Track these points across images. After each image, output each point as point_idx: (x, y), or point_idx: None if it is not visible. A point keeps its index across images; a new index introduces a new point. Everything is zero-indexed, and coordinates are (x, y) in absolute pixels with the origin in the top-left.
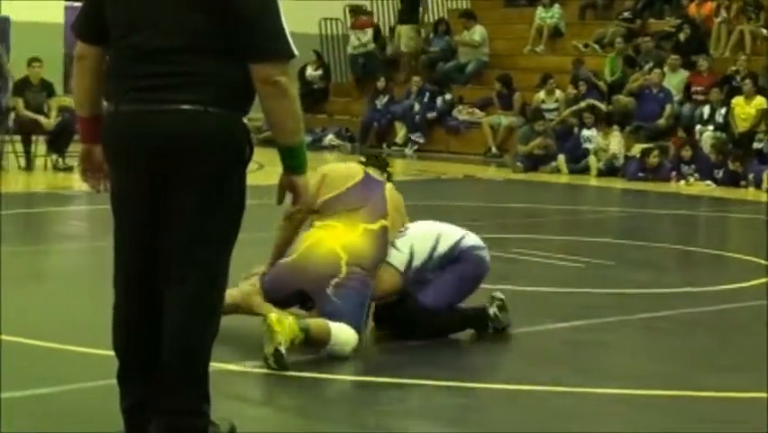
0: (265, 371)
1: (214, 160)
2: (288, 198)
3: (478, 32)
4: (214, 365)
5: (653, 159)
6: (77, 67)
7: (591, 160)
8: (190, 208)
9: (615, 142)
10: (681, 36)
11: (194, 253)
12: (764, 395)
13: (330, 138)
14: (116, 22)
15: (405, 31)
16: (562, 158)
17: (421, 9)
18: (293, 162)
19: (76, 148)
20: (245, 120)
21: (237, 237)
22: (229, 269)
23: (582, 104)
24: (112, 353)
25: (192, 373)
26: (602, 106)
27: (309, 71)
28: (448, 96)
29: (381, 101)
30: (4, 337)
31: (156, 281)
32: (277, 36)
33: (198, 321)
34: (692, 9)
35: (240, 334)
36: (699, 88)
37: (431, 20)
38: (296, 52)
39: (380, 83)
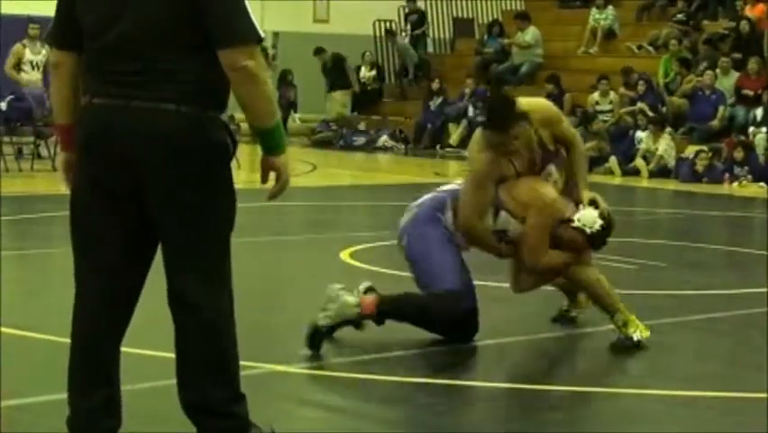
0: (315, 372)
1: (189, 161)
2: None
3: (530, 34)
4: (263, 367)
5: (704, 160)
6: (53, 75)
7: (639, 162)
8: (174, 217)
9: (663, 144)
10: (736, 38)
11: (190, 269)
12: None
13: (384, 139)
14: (88, 21)
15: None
16: (614, 159)
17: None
18: (270, 144)
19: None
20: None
21: (232, 230)
22: (230, 267)
23: (636, 106)
24: (158, 353)
25: (217, 373)
26: (648, 110)
27: (363, 72)
28: None
29: (435, 102)
30: (31, 334)
31: (118, 314)
32: (240, 20)
33: (213, 325)
34: (747, 10)
35: (285, 335)
36: (748, 91)
37: (484, 21)
38: (262, 35)
39: (435, 84)
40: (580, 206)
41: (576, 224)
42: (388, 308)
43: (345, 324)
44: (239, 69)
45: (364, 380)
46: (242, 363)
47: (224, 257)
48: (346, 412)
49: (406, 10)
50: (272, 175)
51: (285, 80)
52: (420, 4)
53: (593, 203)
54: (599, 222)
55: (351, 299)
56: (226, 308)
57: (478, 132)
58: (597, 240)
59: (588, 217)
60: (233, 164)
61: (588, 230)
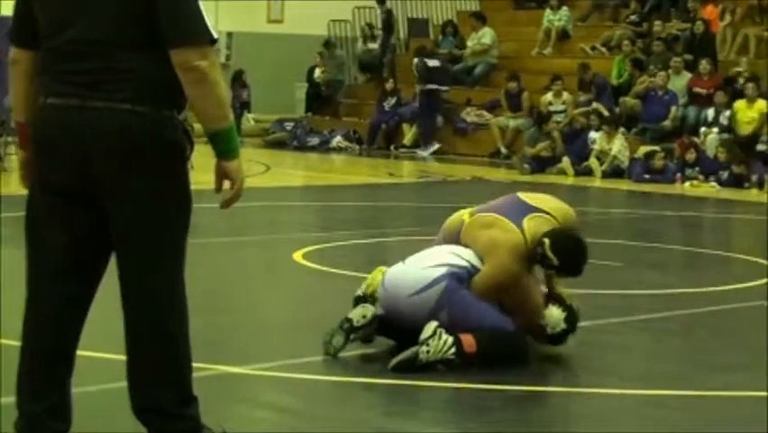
0: (267, 374)
1: (143, 162)
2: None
3: (488, 35)
4: (216, 368)
5: (658, 161)
6: (11, 72)
7: (593, 162)
8: (129, 219)
9: (617, 144)
10: (689, 39)
11: (141, 273)
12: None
13: (338, 140)
14: (44, 20)
15: None
16: (566, 160)
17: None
18: (222, 148)
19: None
20: (180, 117)
21: (186, 235)
22: (184, 269)
23: (590, 107)
24: (110, 356)
25: (169, 375)
26: (604, 110)
27: (317, 73)
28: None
29: (389, 103)
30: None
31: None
32: (192, 21)
33: (164, 327)
34: (700, 12)
35: (238, 336)
36: (700, 91)
37: (439, 22)
38: (215, 36)
39: (389, 84)
40: (549, 303)
41: (541, 321)
42: (483, 348)
43: (439, 363)
44: (190, 68)
45: (315, 381)
46: (194, 364)
47: (177, 258)
48: (297, 413)
49: (379, 12)
50: (227, 182)
51: (238, 80)
52: (374, 4)
53: (563, 303)
54: (562, 326)
55: (449, 338)
56: (179, 310)
57: (510, 237)
58: (555, 339)
59: (552, 319)
60: (189, 165)
61: (549, 330)
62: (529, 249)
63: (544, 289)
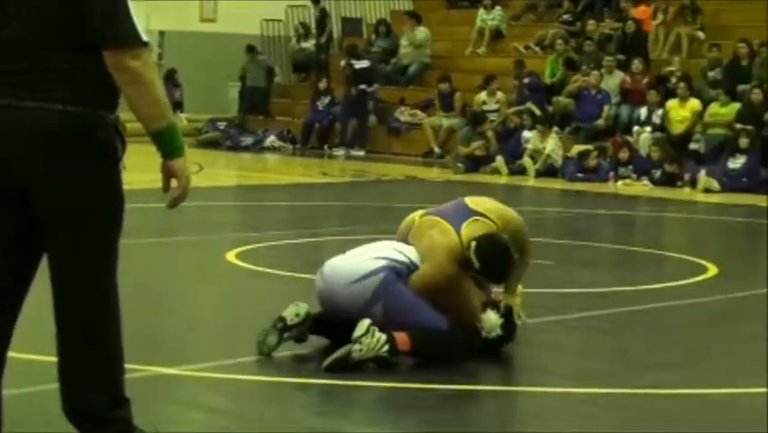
0: (200, 374)
1: (76, 162)
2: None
3: (422, 33)
4: (149, 369)
5: (592, 160)
6: None
7: (527, 161)
8: (61, 219)
9: (551, 143)
10: (621, 38)
11: (73, 273)
12: (701, 391)
13: (271, 140)
14: None
15: None
16: (500, 159)
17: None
18: (165, 147)
19: None
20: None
21: (119, 235)
22: (117, 270)
23: (523, 106)
24: (41, 358)
25: (101, 377)
26: (536, 110)
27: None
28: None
29: (323, 102)
30: None
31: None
32: (123, 22)
33: (97, 329)
34: (632, 12)
35: (171, 337)
36: (633, 90)
37: (372, 21)
38: (144, 38)
39: (322, 84)
40: (488, 308)
41: (478, 324)
42: (416, 347)
43: (372, 360)
44: (123, 69)
45: (248, 381)
46: (127, 366)
47: (110, 259)
48: (230, 414)
49: (312, 11)
50: (174, 181)
51: (171, 80)
52: (307, 3)
53: (504, 309)
54: (498, 331)
55: (383, 336)
56: (111, 311)
57: (448, 239)
58: (490, 344)
59: (489, 323)
60: (121, 165)
61: (484, 334)
62: (465, 252)
63: (488, 293)
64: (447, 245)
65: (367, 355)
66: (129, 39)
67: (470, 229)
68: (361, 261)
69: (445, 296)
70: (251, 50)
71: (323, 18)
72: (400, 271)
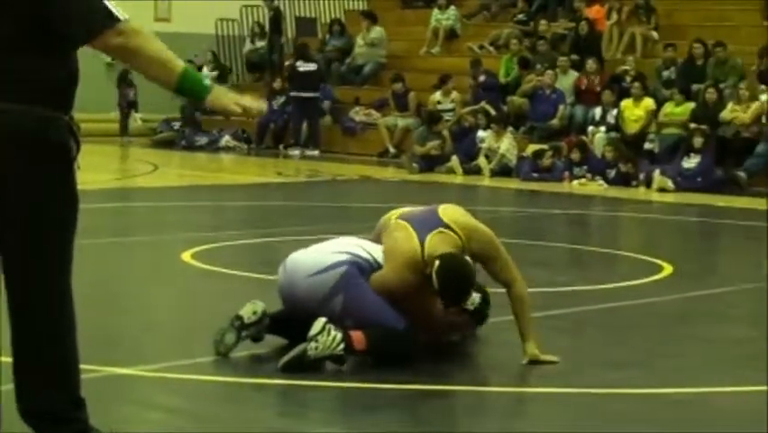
0: (156, 375)
1: (30, 162)
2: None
3: (377, 33)
4: (105, 370)
5: (546, 160)
6: None
7: (482, 161)
8: (15, 220)
9: (505, 143)
10: (575, 38)
11: (28, 273)
12: (657, 391)
13: (226, 139)
14: None
15: None
16: (455, 158)
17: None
18: (194, 91)
19: None
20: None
21: (74, 236)
22: (72, 270)
23: (477, 106)
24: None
25: (57, 378)
26: (490, 109)
27: (205, 71)
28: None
29: (277, 102)
30: None
31: None
32: (95, 10)
33: (52, 329)
34: (586, 12)
35: (127, 337)
36: (587, 90)
37: (327, 21)
38: (120, 16)
39: (277, 84)
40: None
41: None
42: (372, 346)
43: (327, 359)
44: (113, 49)
45: (205, 381)
46: (83, 366)
47: (65, 259)
48: (187, 414)
49: (266, 11)
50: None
51: (125, 80)
52: (261, 3)
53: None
54: (477, 301)
55: (338, 334)
56: (66, 312)
57: (409, 246)
58: (474, 314)
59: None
60: (75, 165)
61: (470, 306)
62: (426, 263)
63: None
64: (407, 253)
65: (323, 354)
66: (105, 24)
67: (433, 241)
68: (324, 254)
69: (402, 299)
70: (191, 61)
71: (276, 18)
72: (363, 268)
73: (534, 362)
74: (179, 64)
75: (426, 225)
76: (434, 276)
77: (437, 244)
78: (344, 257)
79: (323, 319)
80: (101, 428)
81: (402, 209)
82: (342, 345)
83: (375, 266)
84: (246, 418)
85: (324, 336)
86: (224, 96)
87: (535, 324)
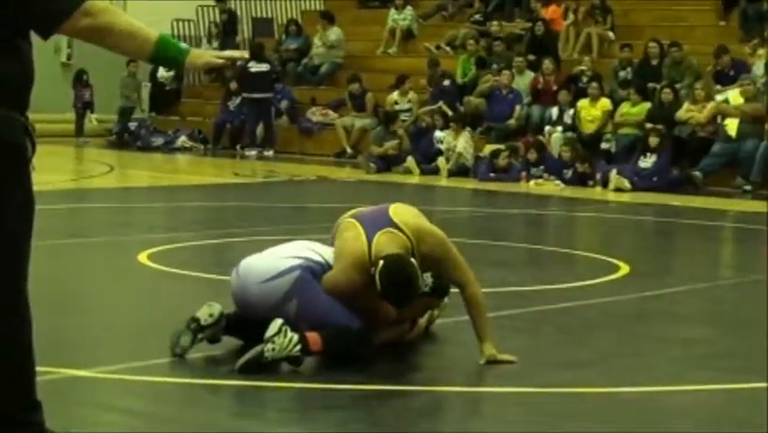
0: (112, 376)
1: None
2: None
3: (335, 34)
4: (61, 372)
5: (503, 160)
6: None
7: (441, 161)
8: None
9: (462, 141)
10: (531, 38)
11: None
12: (613, 390)
13: (182, 140)
14: None
15: None
16: (411, 159)
17: None
18: (171, 57)
19: None
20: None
21: (31, 237)
22: (27, 271)
23: (434, 106)
24: None
25: (12, 381)
26: (447, 109)
27: (161, 72)
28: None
29: (234, 103)
30: None
31: None
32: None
33: (7, 331)
34: (542, 12)
35: (83, 339)
36: (544, 90)
37: (283, 21)
38: None
39: (233, 84)
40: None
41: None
42: (327, 346)
43: (284, 360)
44: (83, 31)
45: (161, 383)
46: (39, 368)
47: (21, 261)
48: (144, 415)
49: (218, 11)
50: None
51: (80, 80)
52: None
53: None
54: (429, 281)
55: (294, 336)
56: (22, 313)
57: (356, 246)
58: (438, 290)
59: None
60: (31, 166)
61: (425, 289)
62: (373, 263)
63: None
64: (354, 253)
65: (280, 355)
66: (72, 8)
67: (380, 240)
68: (276, 259)
69: (353, 299)
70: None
71: (230, 18)
72: (315, 271)
73: (492, 362)
74: (152, 32)
75: (376, 224)
76: (377, 278)
77: (385, 243)
78: (297, 262)
79: (279, 321)
80: (57, 431)
81: (356, 209)
82: (298, 347)
83: (327, 268)
84: (202, 419)
85: (281, 337)
86: (203, 54)
87: (492, 324)
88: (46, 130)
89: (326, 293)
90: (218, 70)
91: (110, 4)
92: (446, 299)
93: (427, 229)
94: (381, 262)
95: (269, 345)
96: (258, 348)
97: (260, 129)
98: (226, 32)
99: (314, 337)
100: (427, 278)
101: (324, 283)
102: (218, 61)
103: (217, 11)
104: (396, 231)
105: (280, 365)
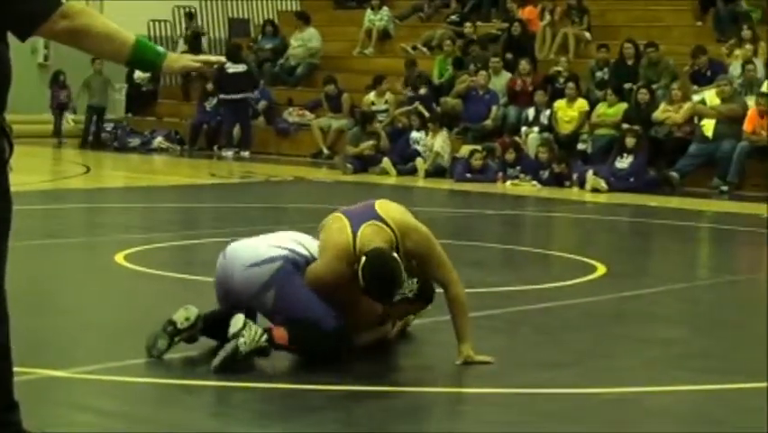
0: (88, 377)
1: None
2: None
3: (313, 35)
4: (37, 372)
5: (476, 161)
6: None
7: (419, 162)
8: None
9: (439, 141)
10: (507, 39)
11: None
12: (590, 391)
13: (159, 141)
14: None
15: None
16: (387, 160)
17: None
18: (148, 60)
19: None
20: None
21: (8, 238)
22: (5, 274)
23: (412, 106)
24: None
25: None
26: (424, 110)
27: (138, 73)
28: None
29: (210, 103)
30: None
31: None
32: (34, 2)
33: None
34: (519, 12)
35: (59, 339)
36: (520, 91)
37: (260, 21)
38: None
39: (209, 85)
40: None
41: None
42: (293, 342)
43: (255, 353)
44: (60, 33)
45: (137, 383)
46: (15, 368)
47: None
48: (120, 416)
49: (186, 11)
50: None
51: (57, 81)
52: (194, 4)
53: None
54: (414, 287)
55: (259, 328)
56: None
57: (342, 238)
58: (423, 295)
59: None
60: (8, 167)
61: (410, 294)
62: (357, 256)
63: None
64: (339, 244)
65: (251, 348)
66: (50, 10)
67: (365, 232)
68: (263, 246)
69: (334, 291)
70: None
71: (196, 38)
72: (298, 264)
73: (469, 363)
74: (129, 36)
75: (361, 217)
76: (360, 273)
77: (370, 235)
78: (281, 252)
79: (241, 316)
80: (32, 431)
81: (343, 207)
82: (265, 337)
83: (311, 261)
84: (179, 419)
85: (248, 330)
86: (180, 58)
87: (471, 324)
88: (22, 131)
89: (309, 285)
90: (197, 75)
91: (87, 7)
92: (429, 306)
93: (412, 225)
94: (364, 257)
95: (241, 340)
96: (231, 345)
97: (236, 130)
98: (191, 49)
99: (279, 332)
100: (412, 283)
101: (308, 275)
102: (195, 65)
103: (193, 11)
104: (381, 224)
105: (255, 363)
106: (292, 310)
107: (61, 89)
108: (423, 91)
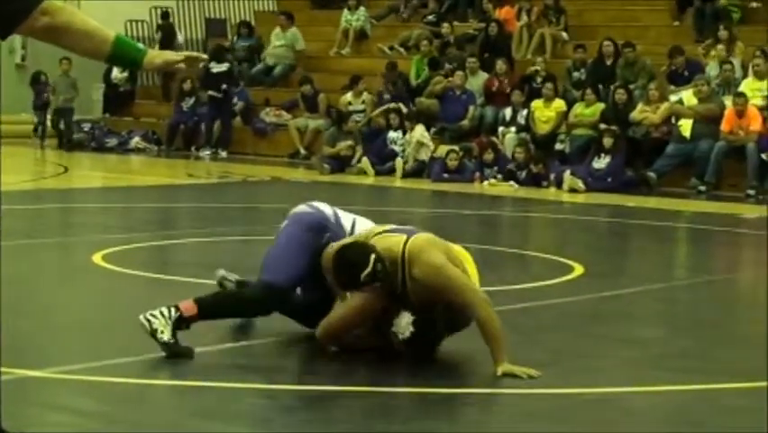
0: (65, 377)
1: None
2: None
3: (294, 35)
4: (13, 372)
5: (452, 161)
6: None
7: (398, 161)
8: None
9: (419, 131)
10: (485, 39)
11: None
12: (568, 391)
13: (136, 141)
14: None
15: None
16: (366, 160)
17: None
18: (128, 57)
19: None
20: None
21: None
22: None
23: (389, 106)
24: None
25: None
26: (403, 108)
27: (115, 73)
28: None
29: (187, 103)
30: None
31: None
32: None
33: None
34: (495, 13)
35: (37, 339)
36: (497, 91)
37: (236, 22)
38: None
39: (186, 85)
40: (402, 310)
41: (393, 328)
42: (205, 312)
43: (175, 329)
44: (40, 30)
45: (114, 383)
46: None
47: None
48: (99, 416)
49: (160, 11)
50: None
51: (38, 81)
52: (171, 4)
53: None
54: (410, 330)
55: (165, 309)
56: None
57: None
58: (410, 344)
59: (401, 325)
60: None
61: (400, 336)
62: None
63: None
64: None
65: (170, 328)
66: (31, 7)
67: (377, 238)
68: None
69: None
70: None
71: (167, 29)
72: (315, 227)
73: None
74: (109, 32)
75: (396, 230)
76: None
77: (376, 240)
78: (309, 211)
79: (145, 316)
80: (10, 431)
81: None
82: (173, 311)
83: (341, 237)
84: (157, 419)
85: (157, 320)
86: (162, 54)
87: (503, 342)
88: (2, 131)
89: (298, 248)
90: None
91: (67, 5)
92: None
93: (424, 257)
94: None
95: (159, 334)
96: (159, 343)
97: (216, 127)
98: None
99: (187, 305)
100: (408, 325)
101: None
102: (177, 58)
103: (170, 11)
104: (396, 241)
105: (230, 363)
106: (264, 262)
107: (44, 89)
108: (398, 91)
